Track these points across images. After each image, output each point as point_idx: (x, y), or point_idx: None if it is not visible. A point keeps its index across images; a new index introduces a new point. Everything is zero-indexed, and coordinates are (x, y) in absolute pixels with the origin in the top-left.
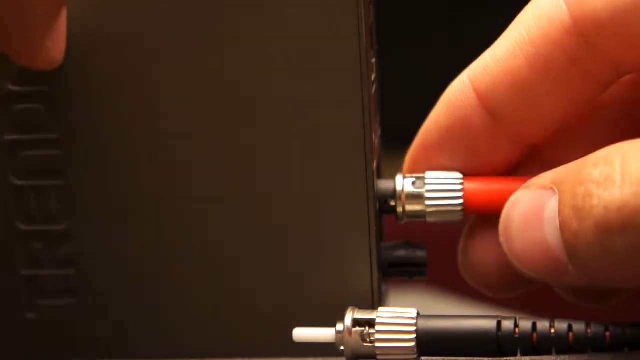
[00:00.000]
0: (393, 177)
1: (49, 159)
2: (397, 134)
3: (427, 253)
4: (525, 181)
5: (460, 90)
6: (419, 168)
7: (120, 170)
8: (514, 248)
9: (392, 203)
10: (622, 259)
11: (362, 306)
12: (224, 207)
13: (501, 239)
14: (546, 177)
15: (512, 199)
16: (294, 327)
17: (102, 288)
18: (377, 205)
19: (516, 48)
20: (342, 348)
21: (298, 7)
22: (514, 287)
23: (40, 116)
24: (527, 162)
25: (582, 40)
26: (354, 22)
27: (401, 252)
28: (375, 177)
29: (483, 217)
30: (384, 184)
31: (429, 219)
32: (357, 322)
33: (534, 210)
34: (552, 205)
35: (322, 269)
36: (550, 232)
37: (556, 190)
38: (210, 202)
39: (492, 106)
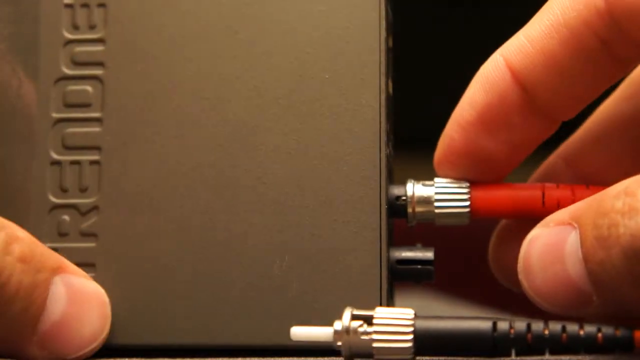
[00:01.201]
0: (402, 181)
1: (89, 135)
2: (406, 139)
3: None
4: (527, 189)
5: (495, 68)
6: (457, 145)
7: (155, 150)
8: (535, 284)
9: (402, 201)
10: None
11: (371, 307)
12: (245, 196)
13: (520, 276)
14: (564, 213)
15: (530, 236)
16: (304, 320)
17: (120, 264)
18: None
19: (551, 29)
20: (339, 343)
21: (324, 6)
22: None
23: (88, 96)
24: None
25: (614, 24)
26: (376, 25)
27: (409, 252)
28: (388, 179)
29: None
30: (395, 189)
31: (438, 222)
32: (354, 321)
33: (554, 245)
34: (573, 239)
35: (333, 269)
36: (573, 265)
37: (576, 225)
38: (233, 191)
39: (526, 83)
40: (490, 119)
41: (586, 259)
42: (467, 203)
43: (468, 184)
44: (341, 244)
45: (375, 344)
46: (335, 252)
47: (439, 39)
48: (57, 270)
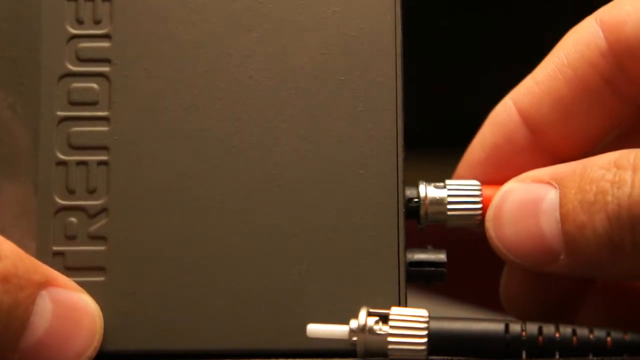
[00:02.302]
0: (414, 183)
1: (96, 135)
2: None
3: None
4: None
5: (504, 110)
6: None
7: (165, 151)
8: (504, 235)
9: (414, 203)
10: (626, 253)
11: (387, 307)
12: (259, 199)
13: (488, 224)
14: (543, 172)
15: (505, 188)
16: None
17: (130, 268)
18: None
19: (556, 70)
20: (354, 339)
21: (339, 6)
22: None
23: (94, 94)
24: None
25: (616, 63)
26: (391, 27)
27: (422, 254)
28: (403, 181)
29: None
30: (407, 191)
31: (449, 224)
32: (370, 319)
33: (529, 201)
34: (551, 198)
35: (350, 273)
36: (547, 223)
37: (556, 186)
38: (247, 194)
39: (533, 123)
40: (498, 160)
41: (564, 219)
42: (480, 205)
43: (479, 186)
44: (358, 247)
45: (390, 344)
46: (353, 256)
47: (438, 39)
48: (44, 284)
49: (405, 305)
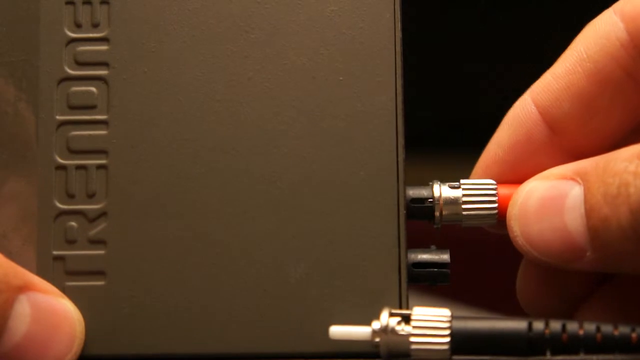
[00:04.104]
0: (418, 182)
1: (95, 139)
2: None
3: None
4: None
5: (522, 108)
6: None
7: (164, 154)
8: (530, 233)
9: (429, 203)
10: None
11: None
12: (258, 201)
13: (512, 223)
14: (566, 168)
15: (529, 186)
16: (322, 326)
17: (130, 271)
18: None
19: (575, 64)
20: (377, 340)
21: (338, 6)
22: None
23: (92, 98)
24: None
25: (638, 54)
26: (391, 26)
27: (425, 255)
28: (404, 181)
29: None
30: (410, 190)
31: (465, 223)
32: (392, 319)
33: (554, 198)
34: (576, 194)
35: (351, 275)
36: (573, 219)
37: (580, 181)
38: (246, 196)
39: (553, 120)
40: (516, 158)
41: (589, 214)
42: (495, 205)
43: (495, 185)
44: (358, 249)
45: (413, 344)
46: (353, 257)
47: (445, 38)
48: (22, 288)
49: (407, 307)
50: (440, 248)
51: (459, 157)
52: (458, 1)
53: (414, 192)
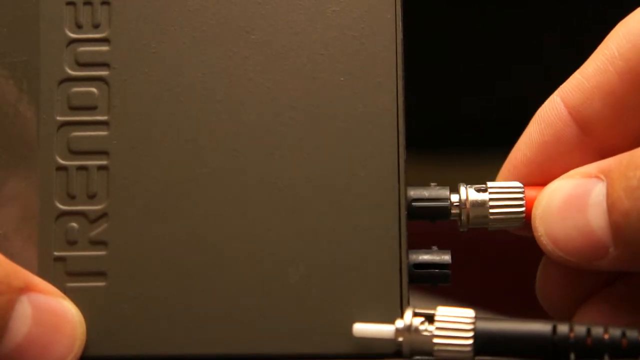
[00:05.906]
0: (419, 183)
1: (96, 140)
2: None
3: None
4: None
5: (552, 108)
6: None
7: (165, 155)
8: (553, 232)
9: (455, 210)
10: None
11: (390, 313)
12: (259, 202)
13: (537, 222)
14: (591, 167)
15: (553, 186)
16: (322, 326)
17: (131, 272)
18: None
19: (606, 63)
20: (400, 339)
21: (338, 6)
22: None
23: (93, 98)
24: None
25: None
26: (391, 26)
27: (426, 255)
28: (405, 182)
29: None
30: (412, 191)
31: (491, 227)
32: (416, 319)
33: (577, 196)
34: (598, 191)
35: (352, 276)
36: (595, 216)
37: (603, 178)
38: (246, 196)
39: (583, 120)
40: (545, 159)
41: (611, 209)
42: (523, 209)
43: (522, 187)
44: (359, 249)
45: (436, 345)
46: (354, 258)
47: (445, 38)
48: (23, 289)
49: (407, 307)
50: (442, 249)
51: (459, 157)
52: (458, 1)
53: (415, 193)
